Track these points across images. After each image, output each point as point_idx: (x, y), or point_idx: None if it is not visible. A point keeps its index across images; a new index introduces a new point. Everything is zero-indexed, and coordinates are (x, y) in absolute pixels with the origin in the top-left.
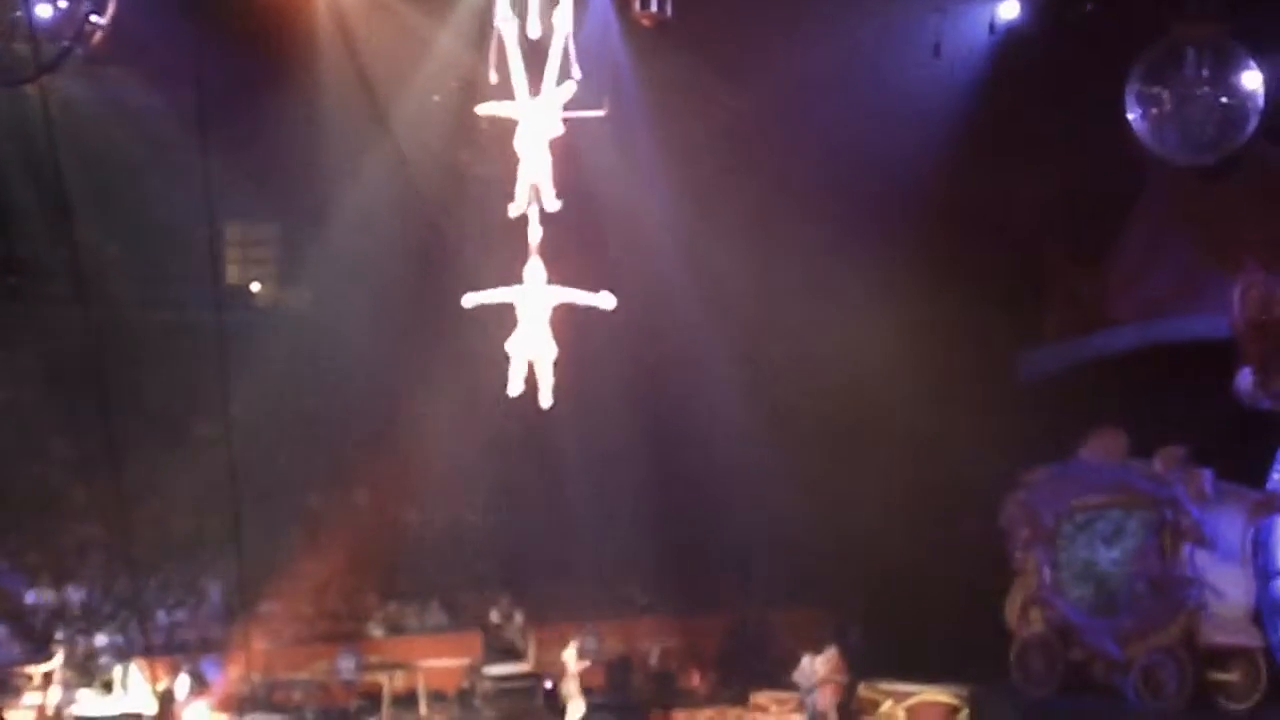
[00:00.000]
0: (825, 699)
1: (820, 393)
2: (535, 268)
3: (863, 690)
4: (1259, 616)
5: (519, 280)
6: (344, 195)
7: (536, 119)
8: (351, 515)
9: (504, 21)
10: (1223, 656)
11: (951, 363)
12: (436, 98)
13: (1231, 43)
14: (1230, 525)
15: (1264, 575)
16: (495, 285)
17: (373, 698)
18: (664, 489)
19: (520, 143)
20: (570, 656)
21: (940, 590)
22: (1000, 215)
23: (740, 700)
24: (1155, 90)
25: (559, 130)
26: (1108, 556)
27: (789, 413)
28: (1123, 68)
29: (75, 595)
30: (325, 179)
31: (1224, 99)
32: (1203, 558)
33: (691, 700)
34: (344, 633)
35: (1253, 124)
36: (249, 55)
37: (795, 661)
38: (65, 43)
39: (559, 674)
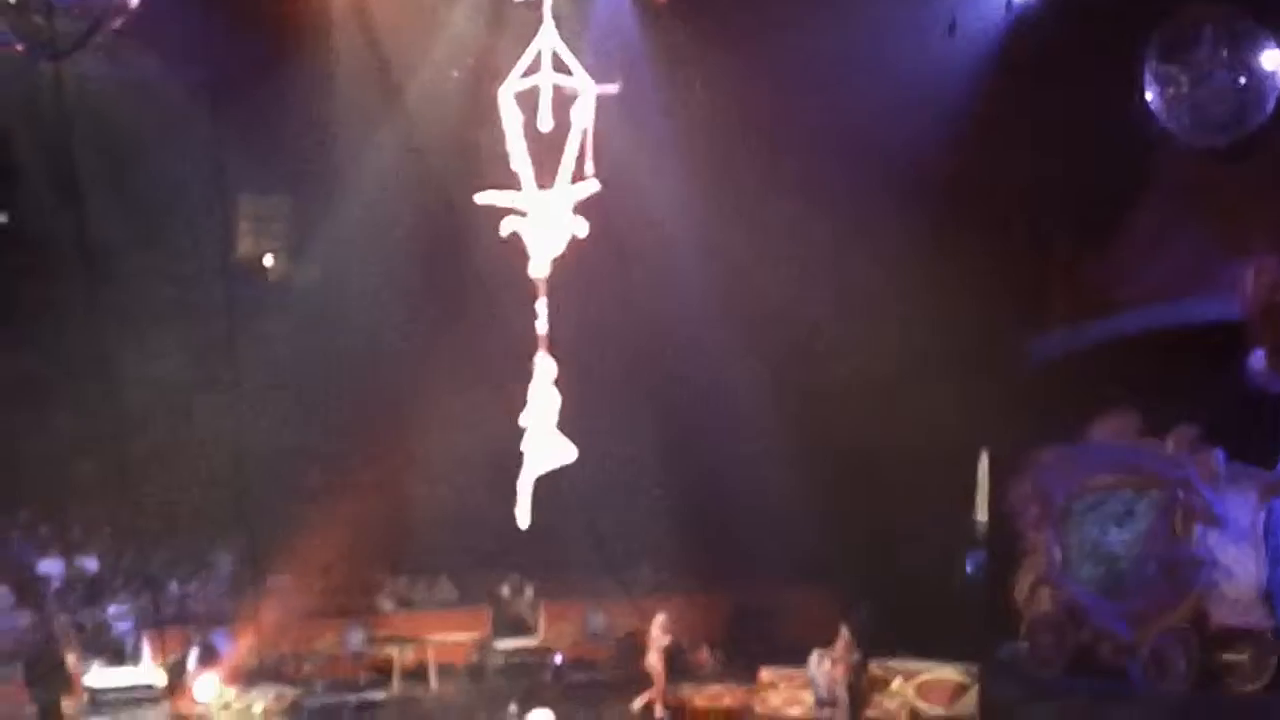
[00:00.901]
0: (835, 677)
1: (829, 375)
2: (545, 361)
3: (872, 669)
4: (1269, 598)
5: (528, 268)
6: (356, 170)
7: (545, 213)
8: (360, 489)
9: (509, 113)
10: (1232, 638)
11: (961, 344)
12: (455, 73)
13: (1250, 22)
14: (1241, 506)
15: (1275, 556)
16: (508, 263)
17: (382, 671)
18: (674, 469)
19: (526, 235)
20: (658, 628)
21: (948, 570)
22: (1011, 195)
23: (748, 677)
24: (1172, 69)
25: (574, 228)
26: (1118, 537)
27: (798, 395)
28: (1140, 47)
29: (86, 567)
30: (338, 153)
31: (1241, 79)
32: (1213, 539)
33: (699, 677)
34: (353, 607)
35: (1271, 104)
36: (262, 29)
37: (804, 639)
38: (97, 18)
39: (643, 646)
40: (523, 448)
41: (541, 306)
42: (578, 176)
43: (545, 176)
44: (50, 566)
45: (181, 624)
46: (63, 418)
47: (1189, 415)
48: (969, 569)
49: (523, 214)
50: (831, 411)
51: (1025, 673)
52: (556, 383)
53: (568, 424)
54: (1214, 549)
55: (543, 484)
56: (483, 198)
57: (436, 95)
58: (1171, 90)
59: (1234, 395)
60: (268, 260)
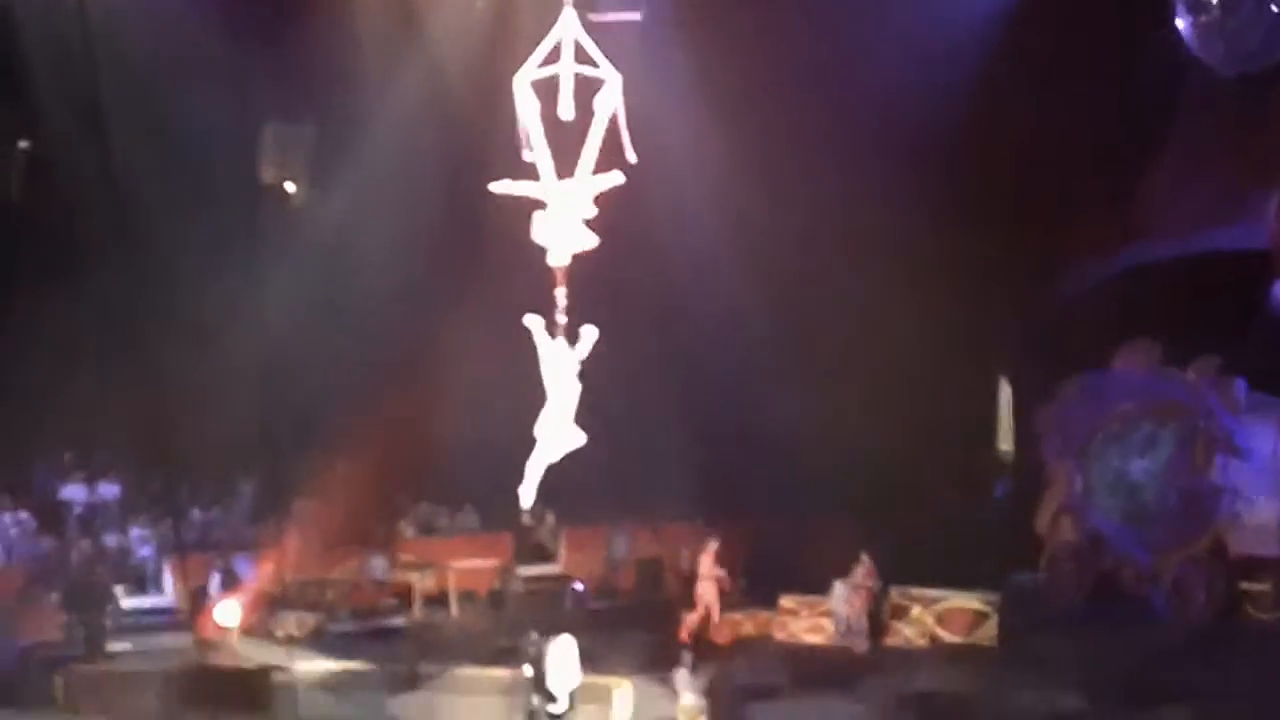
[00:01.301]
0: (855, 605)
1: (853, 308)
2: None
3: (893, 596)
4: None
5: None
6: (381, 99)
7: (565, 203)
8: (384, 418)
9: (525, 101)
10: (1253, 566)
11: (988, 275)
12: (480, 3)
13: None
14: (1263, 436)
15: None
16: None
17: (403, 597)
18: (696, 399)
19: (543, 227)
20: (709, 557)
21: (971, 499)
22: (1038, 125)
23: (769, 603)
24: None
25: (590, 213)
26: (1140, 466)
27: (819, 326)
28: None
29: (109, 493)
30: (363, 82)
31: (1273, 6)
32: (1235, 468)
33: (721, 603)
34: (375, 533)
35: None
36: None
37: (825, 567)
38: None
39: (692, 574)
40: (536, 432)
41: (561, 296)
42: (601, 168)
43: (565, 167)
44: (73, 493)
45: (203, 550)
46: (87, 346)
47: (1211, 345)
48: (997, 495)
49: (541, 205)
50: (854, 343)
51: (1046, 601)
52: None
53: (595, 358)
54: (1235, 478)
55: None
56: (499, 187)
57: (466, 25)
58: (1203, 17)
59: (1257, 325)
60: (294, 189)
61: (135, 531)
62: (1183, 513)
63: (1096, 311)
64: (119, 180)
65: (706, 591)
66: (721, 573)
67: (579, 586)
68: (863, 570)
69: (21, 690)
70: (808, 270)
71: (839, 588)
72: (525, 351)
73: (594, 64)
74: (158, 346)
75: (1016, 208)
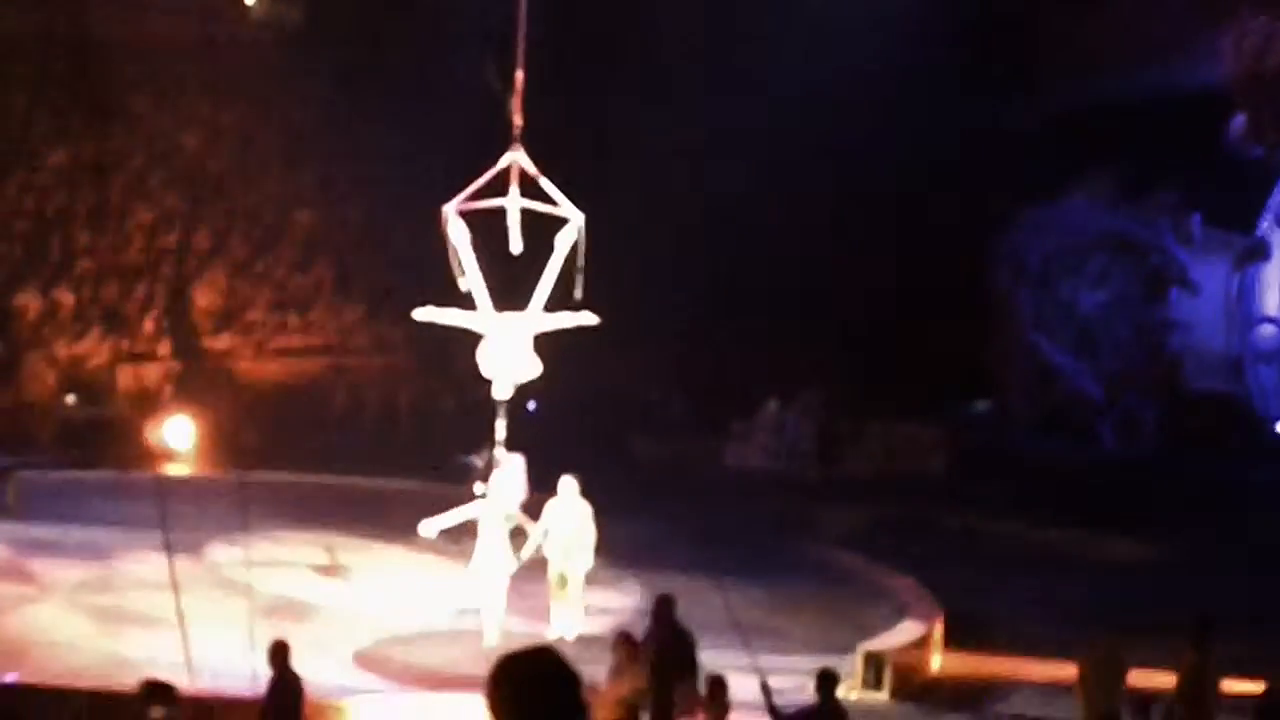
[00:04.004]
0: (804, 431)
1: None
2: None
3: (842, 425)
4: (1239, 362)
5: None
6: None
7: (506, 333)
8: (341, 232)
9: (456, 229)
10: (1202, 401)
11: (939, 107)
12: None
13: None
14: (1216, 271)
15: (1247, 322)
16: None
17: None
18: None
19: (485, 357)
20: None
21: (922, 330)
22: None
23: (720, 430)
24: None
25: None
26: (1092, 299)
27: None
28: None
29: (64, 301)
30: None
31: None
32: (1187, 303)
33: (673, 426)
34: (329, 346)
35: None
36: None
37: (776, 395)
38: None
39: None
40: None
41: (501, 426)
42: (555, 306)
43: (505, 300)
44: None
45: (156, 359)
46: (44, 149)
47: (1167, 179)
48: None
49: (479, 336)
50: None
51: (996, 431)
52: None
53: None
54: (1187, 313)
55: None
56: (423, 314)
57: None
58: None
59: (1213, 160)
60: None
61: (88, 341)
62: (1133, 346)
63: (1053, 143)
64: None
65: None
66: None
67: (531, 406)
68: (811, 397)
69: None
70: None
71: (775, 406)
72: None
73: (551, 201)
74: (113, 153)
75: (970, 39)
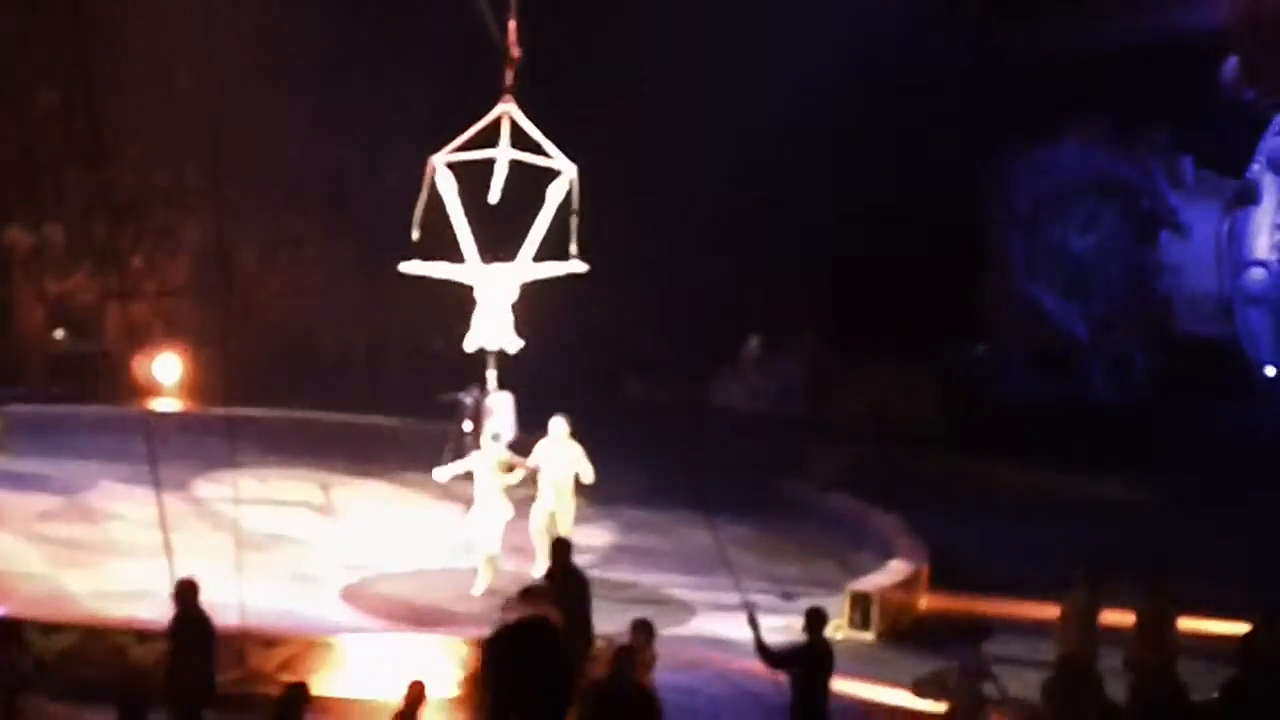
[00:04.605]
0: (796, 373)
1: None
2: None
3: (835, 368)
4: (1229, 305)
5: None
6: None
7: (494, 285)
8: (333, 171)
9: (444, 180)
10: (1192, 346)
11: (931, 44)
12: None
13: None
14: (1207, 214)
15: (1237, 266)
16: None
17: None
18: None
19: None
20: None
21: (913, 273)
22: None
23: (710, 370)
24: None
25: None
26: (1083, 241)
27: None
28: None
29: (54, 237)
30: None
31: None
32: (1178, 246)
33: (663, 366)
34: (319, 289)
35: None
36: None
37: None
38: None
39: None
40: None
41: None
42: (547, 257)
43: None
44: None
45: (146, 297)
46: (33, 88)
47: (1159, 122)
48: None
49: (467, 288)
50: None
51: (988, 374)
52: None
53: None
54: (1178, 256)
55: None
56: (410, 267)
57: None
58: None
59: (1206, 103)
60: None
61: (77, 278)
62: (1124, 289)
63: (1045, 85)
64: None
65: None
66: None
67: None
68: (807, 339)
69: None
70: None
71: (754, 342)
72: None
73: (543, 153)
74: (103, 90)
75: None
